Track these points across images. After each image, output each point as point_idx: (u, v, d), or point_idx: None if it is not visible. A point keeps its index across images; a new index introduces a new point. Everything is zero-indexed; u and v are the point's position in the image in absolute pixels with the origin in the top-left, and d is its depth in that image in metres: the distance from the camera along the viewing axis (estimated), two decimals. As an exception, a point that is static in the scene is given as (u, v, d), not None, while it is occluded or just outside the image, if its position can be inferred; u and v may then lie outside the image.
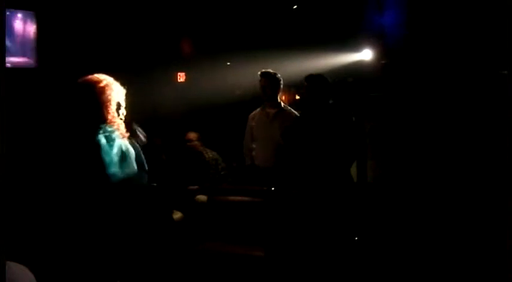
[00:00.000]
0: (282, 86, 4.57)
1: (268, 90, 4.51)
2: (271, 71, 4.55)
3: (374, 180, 5.74)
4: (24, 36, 5.30)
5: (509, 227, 2.25)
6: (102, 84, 2.62)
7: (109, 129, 2.56)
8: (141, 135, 2.84)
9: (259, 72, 4.55)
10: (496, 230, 3.72)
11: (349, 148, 4.08)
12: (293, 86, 7.45)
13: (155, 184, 4.08)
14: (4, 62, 1.33)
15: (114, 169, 2.48)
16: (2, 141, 1.30)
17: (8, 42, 5.05)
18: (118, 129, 2.61)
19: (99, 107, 2.58)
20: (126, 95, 2.74)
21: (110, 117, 2.60)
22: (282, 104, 4.62)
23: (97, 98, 2.59)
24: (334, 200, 3.96)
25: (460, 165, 4.95)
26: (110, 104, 2.61)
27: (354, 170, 4.92)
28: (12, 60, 5.18)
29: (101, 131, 2.53)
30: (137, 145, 2.73)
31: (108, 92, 2.62)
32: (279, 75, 4.53)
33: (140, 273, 2.55)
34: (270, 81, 4.50)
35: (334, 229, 3.89)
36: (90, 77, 2.66)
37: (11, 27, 5.16)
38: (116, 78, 2.75)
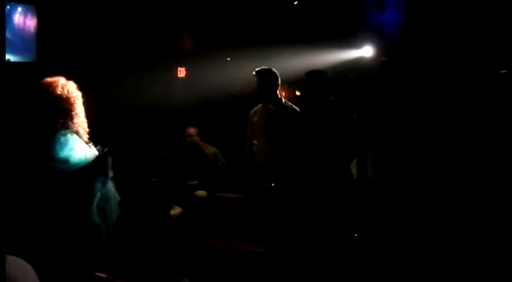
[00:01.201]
0: (279, 81, 4.52)
1: (265, 87, 4.46)
2: (266, 67, 4.50)
3: (373, 176, 5.75)
4: (24, 30, 5.28)
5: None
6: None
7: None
8: None
9: (253, 72, 4.50)
10: (496, 228, 3.73)
11: (349, 145, 4.08)
12: (293, 82, 7.43)
13: (154, 179, 4.08)
14: (4, 59, 1.33)
15: None
16: (2, 139, 1.29)
17: (8, 36, 5.03)
18: None
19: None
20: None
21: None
22: (283, 100, 4.59)
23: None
24: (334, 196, 3.96)
25: (459, 162, 4.95)
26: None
27: (353, 167, 4.92)
28: (12, 54, 5.16)
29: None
30: None
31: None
32: (274, 70, 4.47)
33: (137, 268, 2.55)
34: (266, 78, 4.46)
35: (334, 226, 3.89)
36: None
37: (12, 21, 5.14)
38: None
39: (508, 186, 4.14)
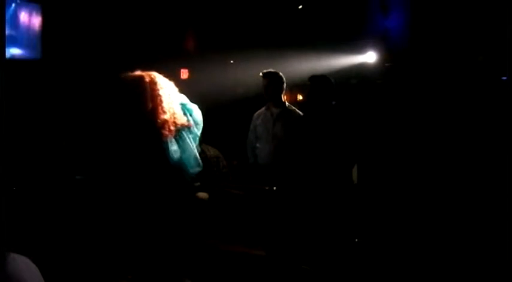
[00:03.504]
0: (285, 85, 4.54)
1: (271, 90, 4.48)
2: (273, 70, 4.52)
3: (376, 182, 5.74)
4: (29, 28, 5.29)
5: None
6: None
7: None
8: None
9: (260, 73, 4.52)
10: (496, 231, 3.72)
11: (350, 149, 4.08)
12: (296, 87, 7.44)
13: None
14: (4, 58, 1.33)
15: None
16: (2, 135, 1.29)
17: (13, 34, 5.04)
18: None
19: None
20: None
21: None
22: (287, 103, 4.60)
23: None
24: (335, 201, 3.96)
25: (462, 168, 4.95)
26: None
27: (354, 172, 4.92)
28: (16, 52, 5.17)
29: None
30: None
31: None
32: (281, 74, 4.50)
33: (147, 269, 2.56)
34: (272, 81, 4.48)
35: (334, 230, 3.89)
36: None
37: (17, 19, 5.15)
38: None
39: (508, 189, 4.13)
